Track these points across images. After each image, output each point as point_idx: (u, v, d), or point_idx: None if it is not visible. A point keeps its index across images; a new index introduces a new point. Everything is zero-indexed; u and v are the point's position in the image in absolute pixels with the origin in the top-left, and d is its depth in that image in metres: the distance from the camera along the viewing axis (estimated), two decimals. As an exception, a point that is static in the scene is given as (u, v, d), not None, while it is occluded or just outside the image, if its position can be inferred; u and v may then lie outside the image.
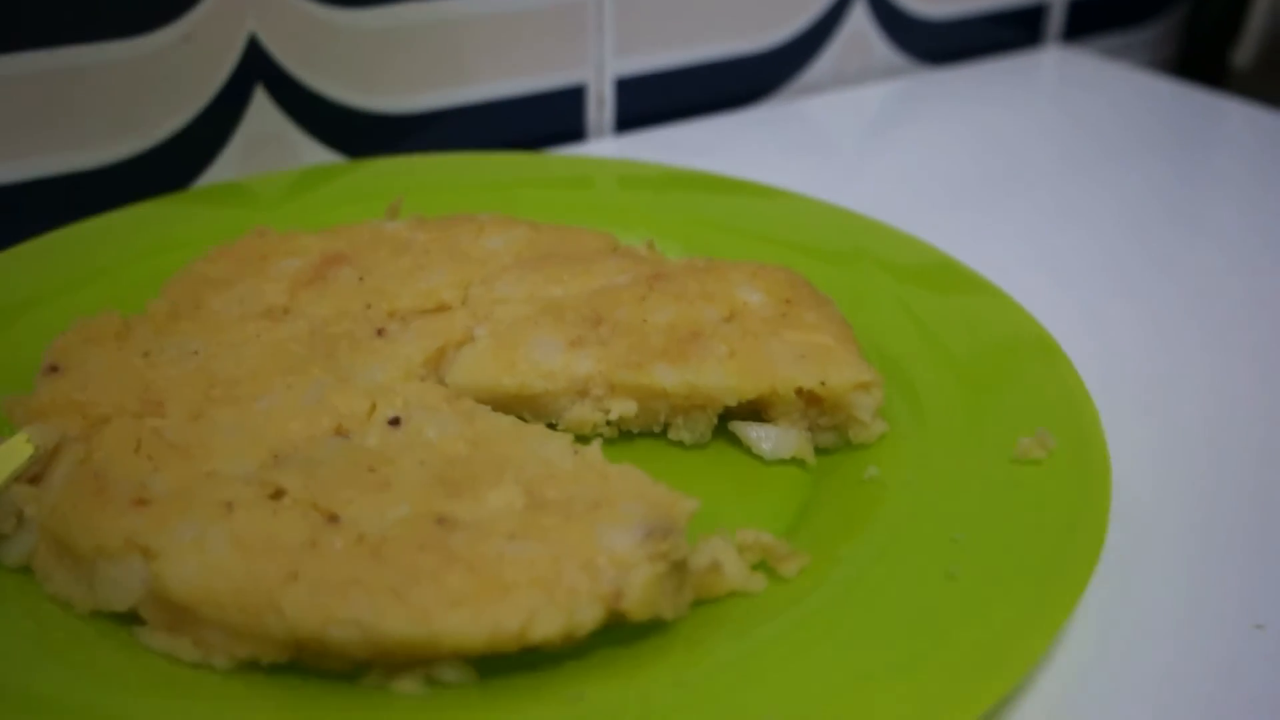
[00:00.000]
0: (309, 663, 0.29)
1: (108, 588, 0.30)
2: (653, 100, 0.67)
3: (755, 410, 0.38)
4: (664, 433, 0.39)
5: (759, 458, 0.38)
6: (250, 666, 0.29)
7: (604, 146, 0.65)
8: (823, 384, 0.37)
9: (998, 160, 0.65)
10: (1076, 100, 0.75)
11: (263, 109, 0.55)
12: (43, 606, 0.31)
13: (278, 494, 0.32)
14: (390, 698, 0.28)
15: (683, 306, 0.40)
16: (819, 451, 0.38)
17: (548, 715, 0.28)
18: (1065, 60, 0.81)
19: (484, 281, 0.42)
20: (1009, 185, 0.62)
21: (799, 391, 0.37)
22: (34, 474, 0.33)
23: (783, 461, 0.38)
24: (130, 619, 0.30)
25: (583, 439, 0.37)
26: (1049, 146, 0.68)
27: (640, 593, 0.29)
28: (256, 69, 0.54)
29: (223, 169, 0.55)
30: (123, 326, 0.39)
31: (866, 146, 0.68)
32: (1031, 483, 0.34)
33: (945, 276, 0.46)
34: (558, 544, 0.30)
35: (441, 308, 0.41)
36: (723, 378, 0.37)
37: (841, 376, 0.37)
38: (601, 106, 0.65)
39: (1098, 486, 0.33)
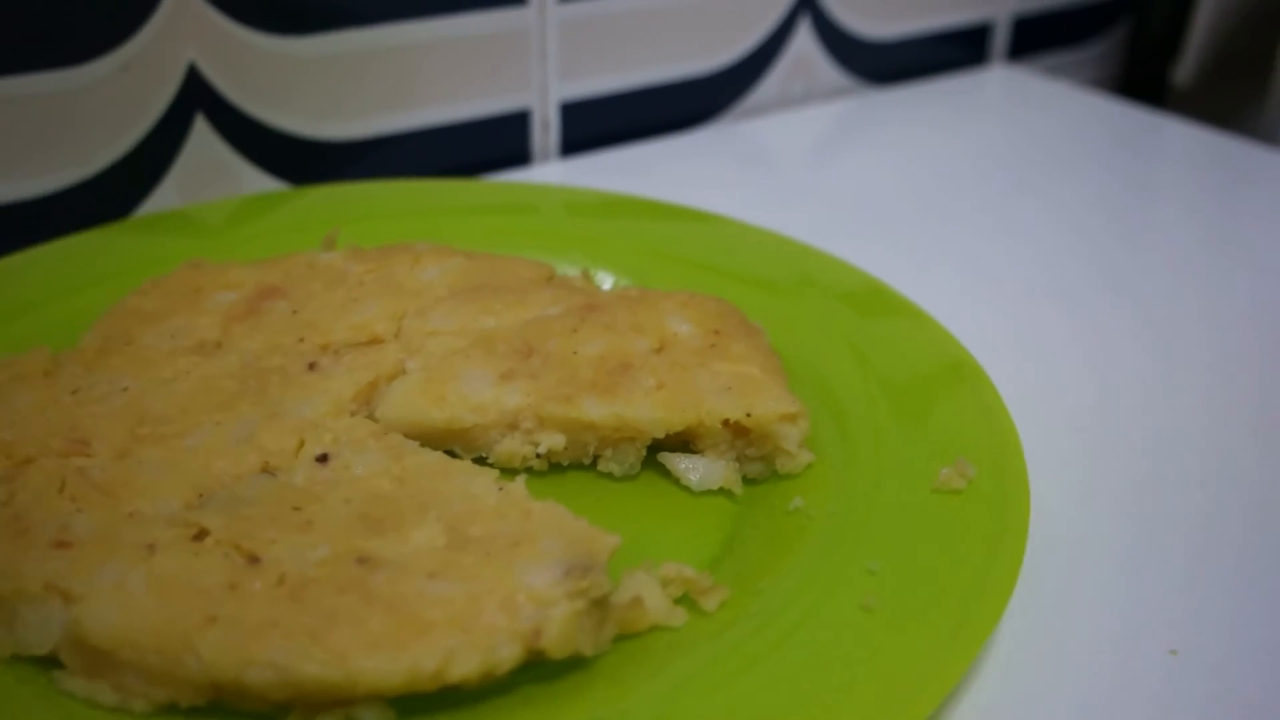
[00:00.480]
0: (229, 704, 0.29)
1: (27, 631, 0.30)
2: (598, 124, 0.67)
3: (684, 441, 0.39)
4: (593, 465, 0.39)
5: (687, 488, 0.38)
6: (169, 710, 0.29)
7: (550, 170, 0.65)
8: (748, 415, 0.37)
9: (944, 179, 0.66)
10: (1021, 118, 0.76)
11: (203, 137, 0.55)
12: (-39, 651, 0.31)
13: (200, 535, 0.32)
14: (310, 739, 0.29)
15: (613, 338, 0.41)
16: (747, 482, 0.38)
17: (465, 755, 0.28)
18: (1010, 79, 0.82)
19: (418, 313, 0.43)
20: (955, 204, 0.63)
21: (725, 423, 0.38)
22: (-44, 516, 0.33)
23: (710, 492, 0.38)
24: (50, 662, 0.30)
25: (512, 472, 0.38)
26: (994, 165, 0.68)
27: (559, 630, 0.29)
28: (196, 97, 0.54)
29: (163, 198, 0.55)
30: (52, 363, 0.39)
31: (813, 168, 0.69)
32: (950, 512, 0.35)
33: (878, 302, 0.46)
34: (477, 582, 0.30)
35: (374, 340, 0.41)
36: (650, 410, 0.38)
37: (767, 408, 0.38)
38: (547, 130, 0.66)
39: (1015, 515, 0.34)
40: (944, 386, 0.41)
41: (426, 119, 0.61)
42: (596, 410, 0.38)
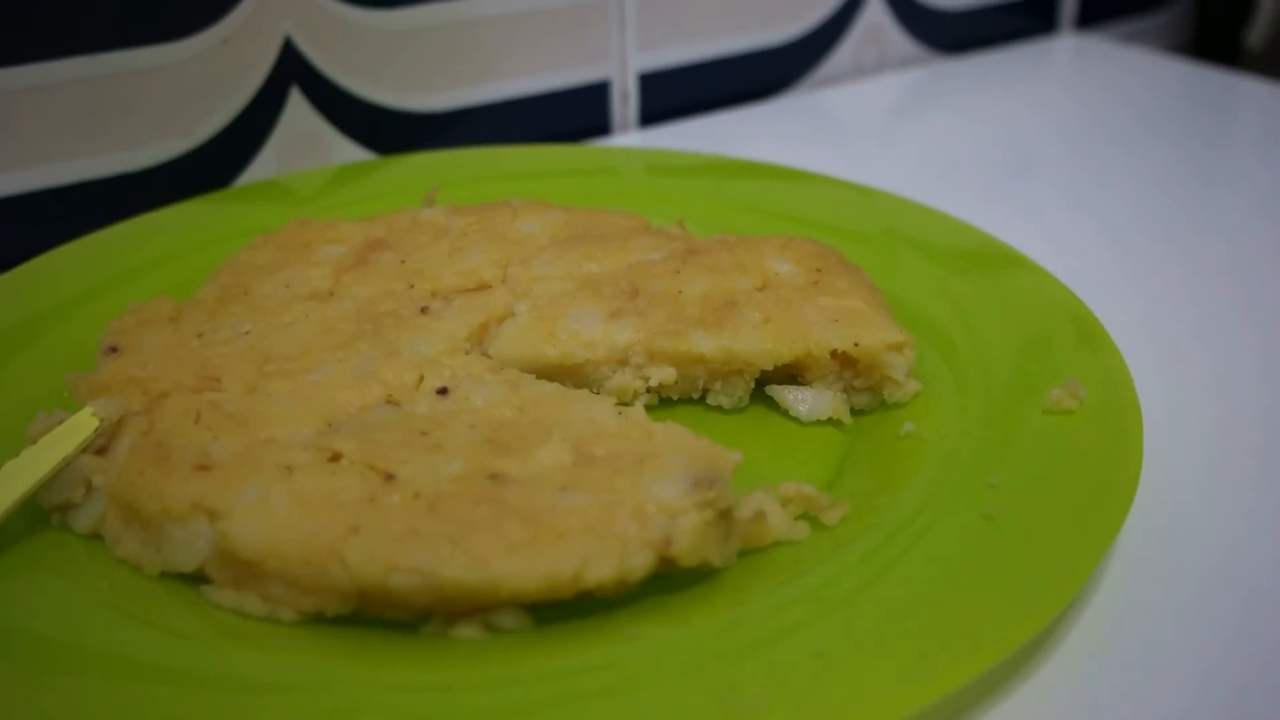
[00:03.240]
0: (371, 613, 0.30)
1: (175, 549, 0.31)
2: (676, 94, 0.68)
3: (791, 374, 0.39)
4: (703, 398, 0.40)
5: (796, 420, 0.39)
6: (315, 619, 0.30)
7: (629, 140, 0.66)
8: (856, 345, 0.38)
9: (1015, 147, 0.66)
10: (1092, 86, 0.76)
11: (298, 109, 0.56)
12: (114, 570, 0.32)
13: (335, 457, 0.33)
14: (451, 644, 0.29)
15: (716, 278, 0.41)
16: (855, 412, 0.39)
17: (604, 654, 0.29)
18: (1080, 47, 0.82)
19: (522, 261, 0.44)
20: (1026, 171, 0.63)
21: (833, 354, 0.38)
22: (100, 446, 0.34)
23: (820, 423, 0.39)
24: (197, 579, 0.31)
25: (625, 405, 0.38)
26: (1066, 132, 0.68)
27: (689, 539, 0.30)
28: (292, 70, 0.56)
29: (261, 168, 0.56)
30: (175, 310, 0.40)
31: (885, 136, 0.69)
32: (1065, 430, 0.35)
33: (971, 248, 0.47)
34: (608, 494, 0.31)
35: (482, 286, 0.42)
36: (758, 342, 0.38)
37: (874, 337, 0.38)
38: (626, 101, 0.66)
39: (1129, 431, 0.34)
40: (1045, 319, 0.41)
41: (510, 90, 0.62)
42: (705, 343, 0.38)
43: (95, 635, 0.29)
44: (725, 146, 0.62)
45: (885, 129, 0.70)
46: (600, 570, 0.29)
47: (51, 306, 0.43)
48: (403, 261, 0.43)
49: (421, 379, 0.37)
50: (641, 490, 0.31)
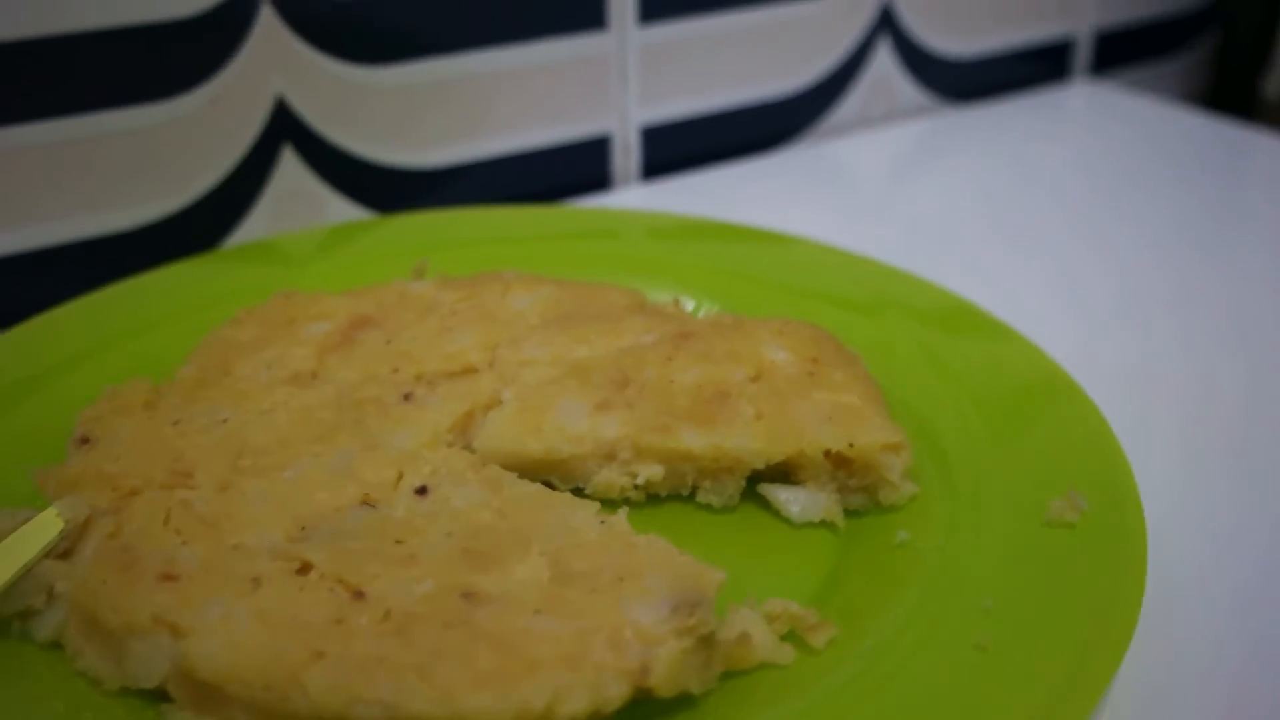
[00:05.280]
0: (335, 742, 0.29)
1: (136, 664, 0.30)
2: (679, 146, 0.67)
3: (784, 472, 0.38)
4: (692, 496, 0.39)
5: (788, 520, 0.38)
6: (277, 746, 0.29)
7: (631, 194, 0.65)
8: (851, 445, 0.37)
9: (1027, 197, 0.65)
10: (1105, 135, 0.74)
11: (291, 167, 0.55)
12: (72, 683, 0.31)
13: (304, 569, 0.32)
14: (417, 778, 0.28)
15: (709, 366, 0.40)
16: (848, 514, 0.38)
17: (575, 796, 0.28)
18: (1093, 95, 0.80)
19: (511, 342, 0.42)
20: (1038, 223, 0.62)
21: (827, 454, 0.37)
22: (64, 549, 0.33)
23: (812, 524, 0.37)
24: (158, 696, 0.30)
25: (610, 504, 0.37)
26: (1078, 182, 0.67)
27: (667, 668, 0.29)
28: (283, 128, 0.55)
29: (252, 227, 0.55)
30: (153, 394, 0.39)
31: (894, 187, 0.68)
32: (1064, 547, 0.34)
33: (965, 321, 0.45)
34: (583, 619, 0.30)
35: (468, 370, 0.41)
36: (750, 440, 0.37)
37: (869, 438, 0.37)
38: (628, 155, 0.65)
39: (1132, 552, 0.33)
40: (1041, 406, 0.40)
41: (509, 145, 0.61)
42: (695, 440, 0.37)
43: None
44: (729, 201, 0.61)
45: (892, 181, 0.69)
46: (573, 704, 0.28)
47: (26, 377, 0.42)
48: (389, 341, 0.42)
49: (400, 476, 0.36)
50: (619, 614, 0.30)
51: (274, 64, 0.53)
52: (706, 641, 0.30)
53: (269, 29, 0.52)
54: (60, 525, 0.33)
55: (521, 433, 0.38)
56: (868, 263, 0.51)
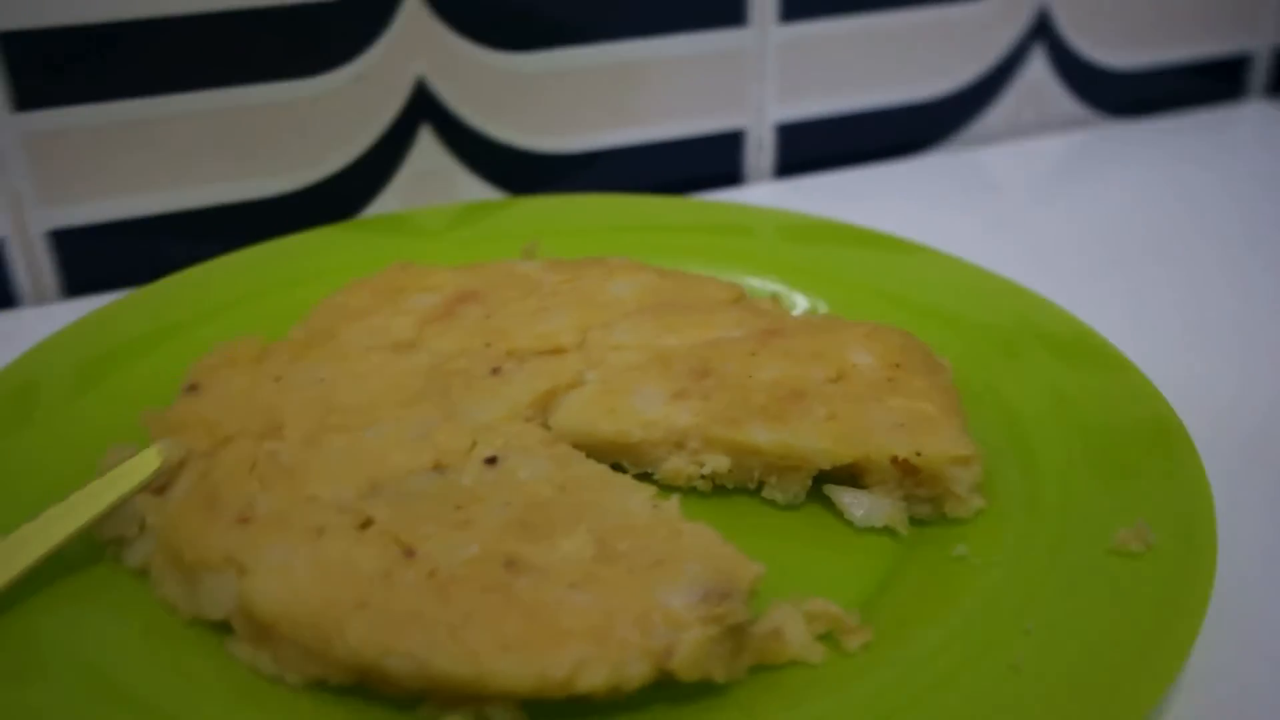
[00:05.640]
0: (372, 688, 0.30)
1: (206, 597, 0.33)
2: (814, 146, 0.67)
3: (851, 475, 0.38)
4: (758, 491, 0.39)
5: (850, 523, 0.37)
6: (320, 685, 0.31)
7: (762, 191, 0.65)
8: (918, 454, 0.36)
9: (1181, 223, 0.62)
10: (1277, 160, 0.70)
11: (427, 146, 0.58)
12: (151, 609, 0.33)
13: (366, 524, 0.33)
14: (441, 731, 0.30)
15: (790, 364, 0.40)
16: (914, 522, 0.37)
17: (587, 766, 0.28)
18: (1268, 116, 0.76)
19: (603, 326, 0.43)
20: (1189, 251, 0.59)
21: (894, 460, 0.37)
22: (160, 485, 0.36)
23: (873, 529, 0.37)
24: (223, 629, 0.32)
25: (675, 491, 0.38)
26: (1239, 210, 0.64)
27: (690, 653, 0.29)
28: (423, 108, 0.57)
29: (388, 201, 0.58)
30: (261, 351, 0.42)
31: (1039, 201, 0.66)
32: (1123, 578, 0.32)
33: (1084, 350, 0.44)
34: (616, 597, 0.30)
35: (557, 350, 0.42)
36: (818, 440, 0.37)
37: (939, 448, 0.36)
38: (761, 151, 0.66)
39: (1194, 594, 0.31)
40: (1144, 445, 0.38)
41: (643, 135, 0.62)
42: (763, 436, 0.37)
43: (113, 667, 0.31)
44: (862, 204, 0.60)
45: (1037, 195, 0.67)
46: (594, 676, 0.29)
47: (166, 325, 0.45)
48: (487, 317, 0.44)
49: (474, 445, 0.37)
50: (651, 596, 0.30)
51: (416, 46, 0.56)
52: (735, 632, 0.31)
53: (414, 13, 0.55)
54: (158, 463, 0.36)
55: (596, 414, 0.39)
56: (995, 279, 0.49)
